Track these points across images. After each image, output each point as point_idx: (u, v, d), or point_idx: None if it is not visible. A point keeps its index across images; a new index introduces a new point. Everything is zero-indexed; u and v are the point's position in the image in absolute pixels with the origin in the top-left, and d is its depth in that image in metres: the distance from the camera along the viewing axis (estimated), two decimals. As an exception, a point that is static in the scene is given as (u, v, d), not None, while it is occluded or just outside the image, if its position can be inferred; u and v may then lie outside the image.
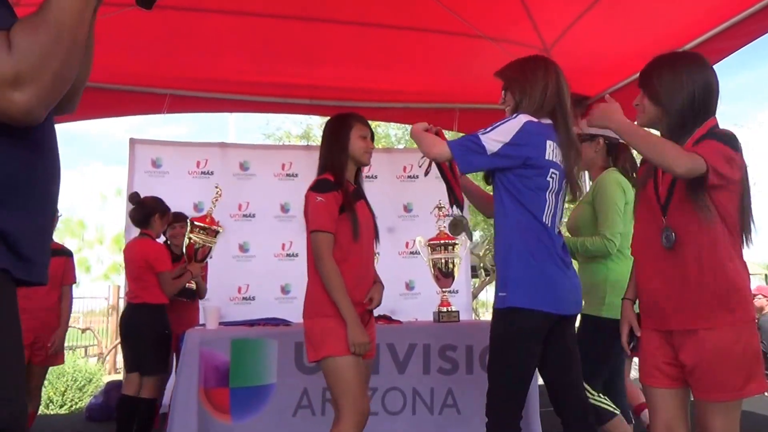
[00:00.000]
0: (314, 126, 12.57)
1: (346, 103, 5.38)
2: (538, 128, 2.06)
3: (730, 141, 1.80)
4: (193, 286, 3.73)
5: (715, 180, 1.73)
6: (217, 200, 3.66)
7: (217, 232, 3.61)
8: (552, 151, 2.07)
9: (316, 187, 2.39)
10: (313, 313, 2.33)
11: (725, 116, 22.75)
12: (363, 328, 2.29)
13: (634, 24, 4.27)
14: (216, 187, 3.69)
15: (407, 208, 5.52)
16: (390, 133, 12.48)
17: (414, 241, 4.34)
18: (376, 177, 5.41)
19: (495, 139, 2.02)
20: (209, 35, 4.31)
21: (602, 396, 2.66)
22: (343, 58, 4.77)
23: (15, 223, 0.92)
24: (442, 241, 3.66)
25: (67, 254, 3.99)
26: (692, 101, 1.87)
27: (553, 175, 2.07)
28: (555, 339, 2.07)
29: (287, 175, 5.24)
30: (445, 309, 3.70)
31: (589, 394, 2.50)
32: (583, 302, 2.56)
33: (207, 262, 3.82)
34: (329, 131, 2.58)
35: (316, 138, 12.50)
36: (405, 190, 5.57)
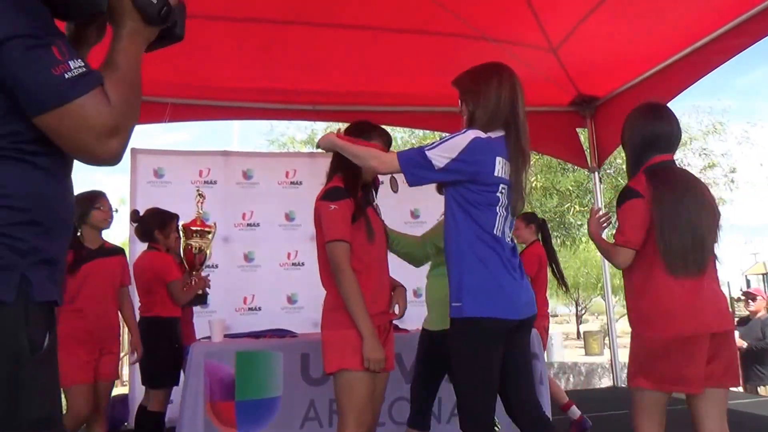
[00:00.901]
0: (319, 131, 12.54)
1: (351, 107, 5.35)
2: (487, 145, 2.05)
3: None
4: (200, 291, 3.67)
5: None
6: (201, 203, 3.63)
7: (210, 233, 3.58)
8: (501, 167, 2.06)
9: (328, 196, 2.32)
10: (331, 324, 2.29)
11: (738, 114, 22.63)
12: (379, 342, 2.22)
13: (642, 23, 4.24)
14: (197, 191, 3.66)
15: (414, 214, 5.48)
16: (396, 136, 12.44)
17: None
18: (381, 182, 5.35)
19: (441, 155, 2.03)
20: (209, 42, 4.27)
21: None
22: (346, 62, 4.74)
23: (56, 250, 1.03)
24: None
25: (122, 253, 3.53)
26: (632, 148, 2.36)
27: (503, 191, 2.08)
28: (511, 346, 2.08)
29: (291, 182, 5.20)
30: (453, 317, 3.65)
31: None
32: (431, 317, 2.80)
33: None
34: (346, 135, 2.49)
35: (320, 143, 12.44)
36: (412, 196, 5.47)
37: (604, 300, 6.52)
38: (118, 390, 8.06)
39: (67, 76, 0.94)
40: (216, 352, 3.16)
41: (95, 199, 3.26)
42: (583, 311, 25.77)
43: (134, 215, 3.80)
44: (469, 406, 2.03)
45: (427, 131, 10.52)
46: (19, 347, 0.94)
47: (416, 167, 2.05)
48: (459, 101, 2.21)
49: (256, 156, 5.56)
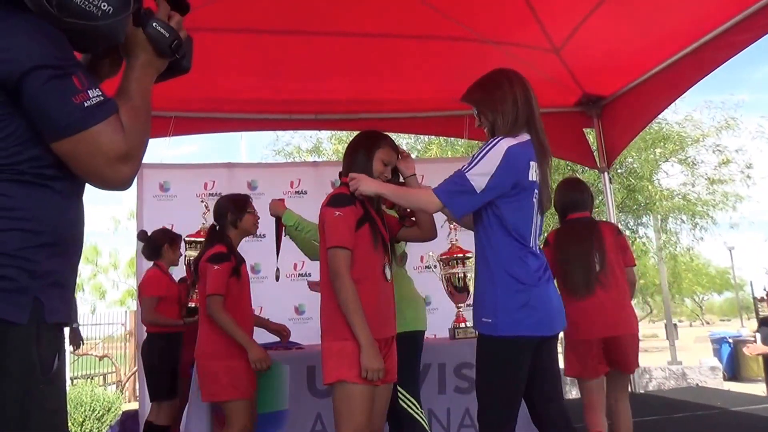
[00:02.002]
0: (324, 139, 12.55)
1: (353, 115, 5.33)
2: (521, 151, 2.04)
3: None
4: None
5: None
6: (205, 215, 3.63)
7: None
8: (534, 171, 2.06)
9: (333, 202, 2.29)
10: (330, 334, 2.23)
11: (753, 107, 22.34)
12: (378, 352, 2.16)
13: (646, 20, 4.17)
14: (202, 202, 3.68)
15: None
16: (402, 142, 12.43)
17: (427, 255, 4.24)
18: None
19: (480, 173, 1.99)
20: (211, 55, 4.26)
21: (420, 410, 2.73)
22: (347, 70, 4.71)
23: (68, 272, 1.08)
24: (454, 255, 3.55)
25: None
26: None
27: (536, 195, 2.08)
28: (538, 356, 2.07)
29: (296, 192, 5.17)
30: (461, 325, 3.60)
31: (408, 403, 2.69)
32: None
33: None
34: (355, 144, 2.49)
35: (327, 152, 12.46)
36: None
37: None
38: (131, 405, 8.12)
39: (86, 104, 1.00)
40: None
41: (247, 203, 3.15)
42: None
43: (142, 235, 3.90)
44: (491, 420, 2.02)
45: (432, 136, 10.48)
46: (31, 368, 0.96)
47: (458, 195, 2.01)
48: (475, 115, 2.19)
49: (260, 167, 5.56)
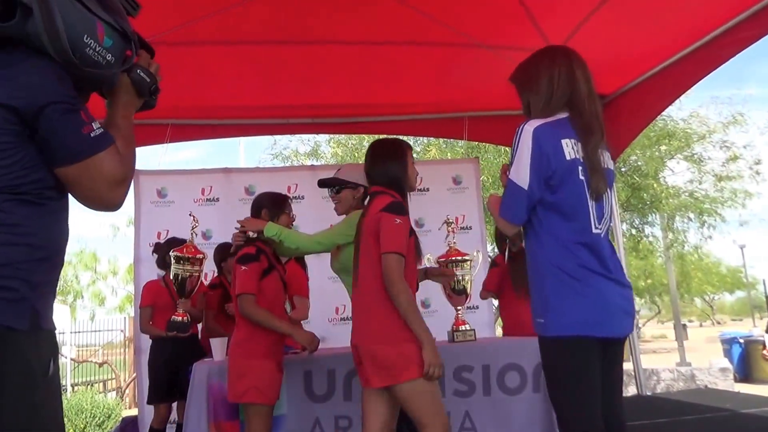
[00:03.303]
0: (322, 143, 12.49)
1: (350, 119, 5.31)
2: (549, 129, 1.88)
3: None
4: (185, 319, 3.57)
5: None
6: (194, 228, 3.59)
7: (201, 260, 3.51)
8: (572, 148, 1.87)
9: (393, 209, 2.31)
10: (387, 338, 2.27)
11: (761, 101, 22.13)
12: (437, 349, 2.28)
13: (646, 21, 4.13)
14: (190, 215, 3.60)
15: (419, 223, 5.36)
16: None
17: (426, 258, 4.20)
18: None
19: (522, 169, 1.87)
20: (207, 65, 4.31)
21: None
22: (343, 76, 4.71)
23: (55, 282, 1.20)
24: (452, 258, 3.51)
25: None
26: None
27: (583, 174, 1.87)
28: (606, 360, 1.91)
29: (294, 197, 5.14)
30: (460, 328, 3.55)
31: None
32: None
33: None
34: (387, 151, 2.53)
35: (325, 155, 12.43)
36: (416, 205, 5.39)
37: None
38: (132, 411, 8.11)
39: (92, 135, 1.17)
40: (218, 371, 3.08)
41: (286, 203, 3.06)
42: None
43: (156, 247, 4.08)
44: (567, 424, 1.88)
45: (431, 138, 10.41)
46: (31, 371, 1.08)
47: (512, 206, 1.91)
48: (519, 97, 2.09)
49: (257, 171, 5.55)
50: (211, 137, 5.34)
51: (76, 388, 9.97)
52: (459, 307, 3.59)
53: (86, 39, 1.16)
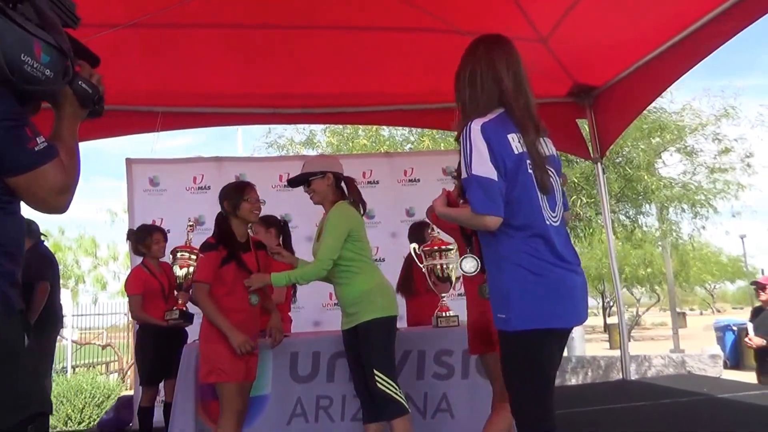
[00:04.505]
0: (317, 131, 12.54)
1: (342, 109, 5.36)
2: (493, 127, 1.88)
3: None
4: (185, 309, 3.77)
5: None
6: (192, 230, 3.78)
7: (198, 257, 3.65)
8: (519, 142, 1.88)
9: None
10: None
11: (762, 91, 22.12)
12: None
13: (634, 8, 4.16)
14: (189, 220, 3.80)
15: (410, 213, 5.46)
16: (395, 133, 12.37)
17: (411, 248, 4.30)
18: (377, 182, 5.38)
19: (485, 163, 1.84)
20: (194, 50, 4.34)
21: (399, 389, 2.84)
22: (334, 64, 4.75)
23: (18, 272, 1.34)
24: (435, 247, 3.61)
25: (265, 248, 3.26)
26: None
27: (531, 167, 1.88)
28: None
29: (284, 186, 5.21)
30: (443, 314, 3.65)
31: (385, 385, 2.79)
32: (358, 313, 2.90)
33: None
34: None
35: (321, 144, 12.50)
36: (407, 195, 5.52)
37: (615, 292, 6.42)
38: (129, 392, 8.28)
39: (36, 149, 1.28)
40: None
41: (244, 190, 3.03)
42: (611, 303, 25.42)
43: (129, 234, 4.10)
44: (523, 419, 1.89)
45: (425, 129, 10.47)
46: (13, 343, 1.27)
47: (491, 197, 1.83)
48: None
49: (248, 161, 5.63)
50: (201, 126, 5.40)
51: (76, 369, 10.14)
52: (443, 295, 3.68)
53: (23, 57, 1.24)
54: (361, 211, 3.10)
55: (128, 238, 4.08)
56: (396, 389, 2.83)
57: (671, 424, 3.87)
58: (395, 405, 2.81)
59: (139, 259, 4.03)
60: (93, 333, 12.36)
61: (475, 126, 1.88)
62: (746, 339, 5.64)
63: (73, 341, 11.53)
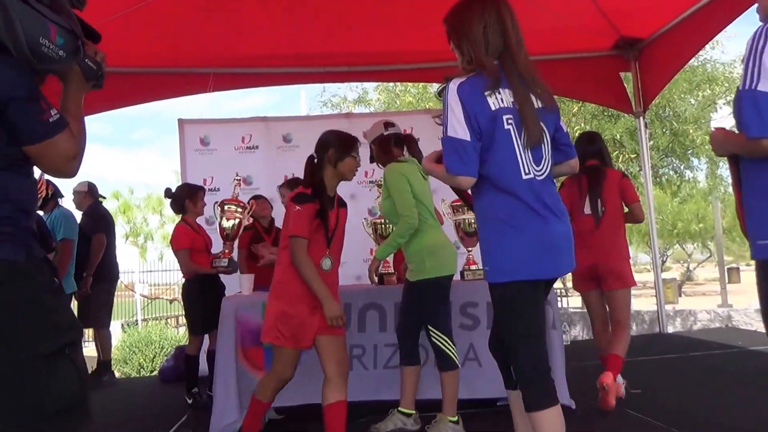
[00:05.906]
0: (369, 90, 12.64)
1: (385, 67, 5.42)
2: (469, 88, 1.91)
3: None
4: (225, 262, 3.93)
5: None
6: (239, 185, 3.98)
7: (245, 208, 3.91)
8: (496, 98, 1.91)
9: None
10: None
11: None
12: None
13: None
14: (236, 175, 3.99)
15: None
16: (431, 91, 12.24)
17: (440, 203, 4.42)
18: (419, 139, 5.45)
19: (458, 124, 1.90)
20: (241, 13, 4.48)
21: (451, 345, 3.09)
22: (377, 22, 4.79)
23: (33, 226, 1.52)
24: (461, 202, 3.72)
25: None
26: None
27: (510, 121, 1.91)
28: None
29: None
30: (470, 267, 3.79)
31: (441, 340, 3.06)
32: (413, 271, 3.10)
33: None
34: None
35: (372, 102, 12.58)
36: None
37: (651, 248, 6.41)
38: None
39: (50, 120, 1.44)
40: (246, 304, 3.45)
41: (353, 145, 2.77)
42: (665, 258, 24.90)
43: (167, 192, 4.16)
44: (517, 356, 1.98)
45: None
46: (44, 283, 1.44)
47: (463, 157, 1.90)
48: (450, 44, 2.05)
49: (294, 120, 5.76)
50: (250, 86, 5.60)
51: (146, 322, 10.73)
52: (470, 248, 3.81)
53: (41, 40, 1.39)
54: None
55: (167, 195, 4.15)
56: (448, 344, 3.04)
57: (693, 376, 3.98)
58: (447, 359, 3.05)
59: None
60: (161, 288, 12.93)
61: (453, 86, 1.93)
62: None
63: (142, 295, 12.20)
